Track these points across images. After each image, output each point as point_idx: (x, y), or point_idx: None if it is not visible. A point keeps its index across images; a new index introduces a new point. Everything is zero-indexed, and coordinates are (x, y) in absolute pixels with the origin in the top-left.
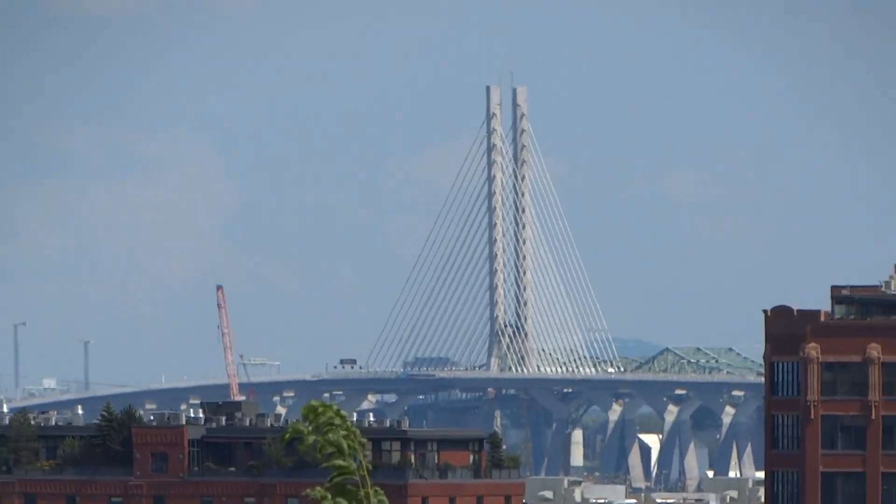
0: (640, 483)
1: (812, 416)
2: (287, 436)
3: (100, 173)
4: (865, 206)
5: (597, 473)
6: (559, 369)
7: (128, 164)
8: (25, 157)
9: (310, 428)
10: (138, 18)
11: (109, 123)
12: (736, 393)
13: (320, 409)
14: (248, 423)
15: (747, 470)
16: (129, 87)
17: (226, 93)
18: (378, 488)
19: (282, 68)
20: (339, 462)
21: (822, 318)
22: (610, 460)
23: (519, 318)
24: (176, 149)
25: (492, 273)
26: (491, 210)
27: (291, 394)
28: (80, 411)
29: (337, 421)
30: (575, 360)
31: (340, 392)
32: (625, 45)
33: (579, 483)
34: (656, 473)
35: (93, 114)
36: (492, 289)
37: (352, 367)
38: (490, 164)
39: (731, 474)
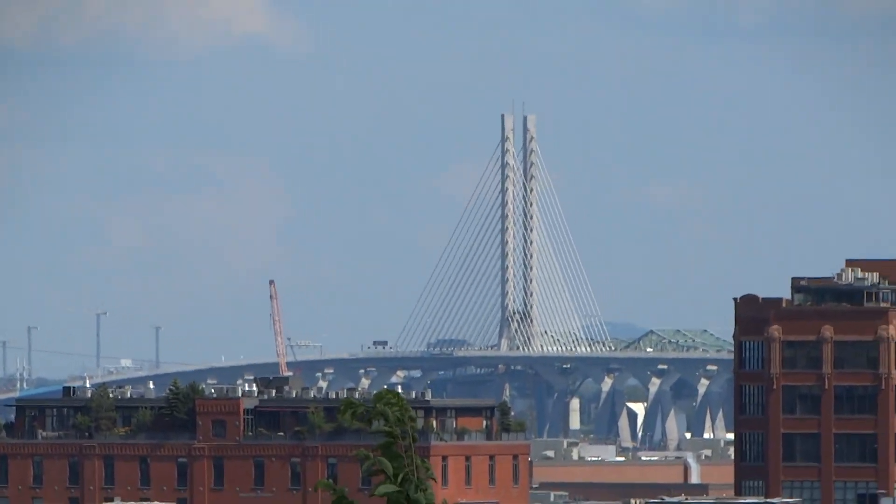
0: (628, 443)
1: (775, 387)
2: (343, 407)
3: (176, 188)
4: (823, 209)
5: (591, 435)
6: (559, 348)
7: (200, 180)
8: (116, 175)
9: (368, 405)
10: (203, 63)
11: (186, 147)
12: (710, 367)
13: (383, 394)
14: (294, 395)
15: (719, 432)
16: (201, 116)
17: (280, 121)
18: (425, 458)
19: (328, 102)
20: (386, 429)
21: (784, 305)
22: (602, 424)
23: (526, 306)
24: (240, 168)
25: (503, 269)
26: (504, 217)
27: (331, 370)
28: (151, 386)
29: (393, 400)
30: (573, 341)
31: (373, 369)
32: (617, 80)
33: (576, 444)
34: (642, 435)
35: (173, 141)
36: (503, 281)
37: (383, 348)
38: (504, 178)
39: (706, 436)
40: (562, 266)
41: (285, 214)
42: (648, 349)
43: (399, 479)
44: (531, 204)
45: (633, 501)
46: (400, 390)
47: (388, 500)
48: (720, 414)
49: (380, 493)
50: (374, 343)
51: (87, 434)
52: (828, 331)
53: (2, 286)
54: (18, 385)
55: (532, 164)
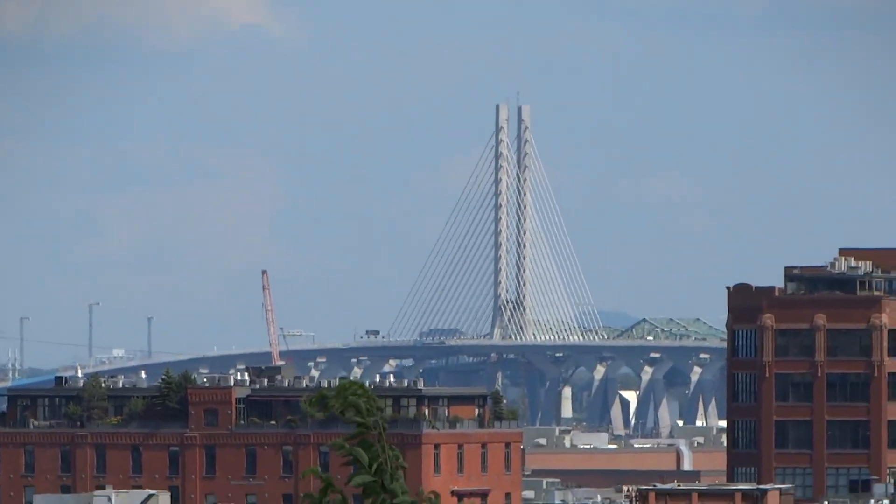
0: (620, 431)
1: (767, 375)
2: (314, 400)
3: (169, 179)
4: (816, 198)
5: (584, 423)
6: (552, 337)
7: (193, 171)
8: (109, 166)
9: (333, 394)
10: (197, 54)
11: (180, 139)
12: (703, 356)
13: (347, 385)
14: (286, 385)
15: (712, 420)
16: (196, 107)
17: (274, 113)
18: (394, 445)
19: (323, 93)
20: (359, 419)
21: (777, 293)
22: (595, 413)
23: (518, 295)
24: (233, 159)
25: (496, 258)
26: (497, 206)
27: (324, 360)
28: (143, 375)
29: (359, 391)
30: (565, 330)
31: (366, 358)
32: (611, 71)
33: (569, 432)
34: (634, 423)
35: (166, 133)
36: (496, 271)
37: (375, 337)
38: (497, 168)
39: (699, 423)
40: (555, 255)
41: (278, 205)
42: (649, 337)
43: (374, 468)
44: (525, 194)
45: (625, 489)
46: (392, 379)
47: (363, 490)
48: (713, 402)
49: (356, 483)
50: (367, 332)
51: (79, 423)
52: (821, 319)
53: None
54: (10, 375)
55: (526, 154)
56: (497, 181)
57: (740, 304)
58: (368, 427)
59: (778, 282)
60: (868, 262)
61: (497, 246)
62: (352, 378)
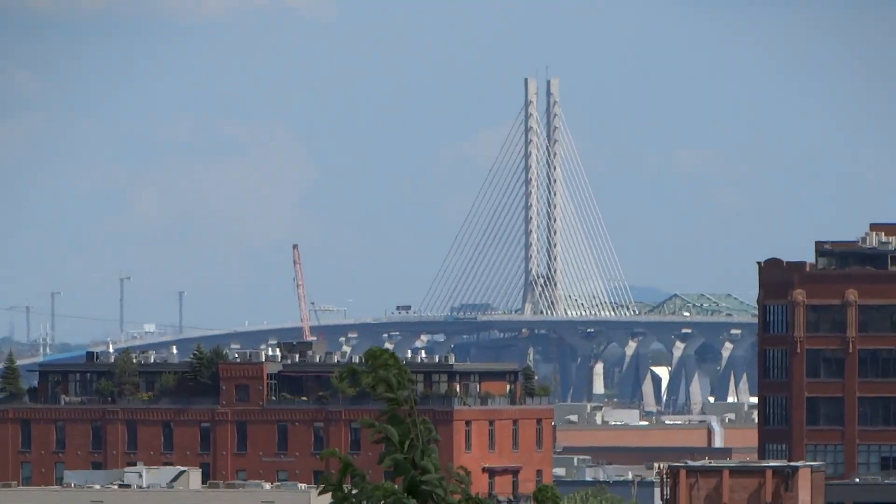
0: (651, 408)
1: (798, 350)
2: (345, 374)
3: (200, 154)
4: (847, 173)
5: (615, 400)
6: (583, 312)
7: (224, 146)
8: (140, 141)
9: (365, 369)
10: (225, 28)
11: (204, 112)
12: (734, 331)
13: (377, 353)
14: (317, 360)
15: (743, 396)
16: (225, 82)
17: (305, 87)
18: (426, 418)
19: (352, 67)
20: (390, 395)
21: (808, 269)
22: (626, 389)
23: (549, 270)
24: (264, 133)
25: (527, 232)
26: (527, 180)
27: (355, 335)
28: (174, 351)
29: (391, 361)
30: (596, 305)
31: (397, 333)
32: (640, 45)
33: (600, 408)
34: (666, 399)
35: (196, 107)
36: (527, 245)
37: (407, 312)
38: (527, 142)
39: (730, 399)
40: (585, 230)
41: (309, 179)
42: (672, 313)
43: (405, 446)
44: (555, 168)
45: (656, 465)
46: (423, 355)
47: (395, 468)
48: (744, 378)
49: (386, 464)
50: (398, 307)
51: (110, 399)
52: (852, 294)
53: (25, 252)
54: (42, 350)
55: (555, 128)
56: (527, 155)
57: (771, 279)
58: (399, 403)
59: (809, 257)
60: None
61: (528, 220)
62: None
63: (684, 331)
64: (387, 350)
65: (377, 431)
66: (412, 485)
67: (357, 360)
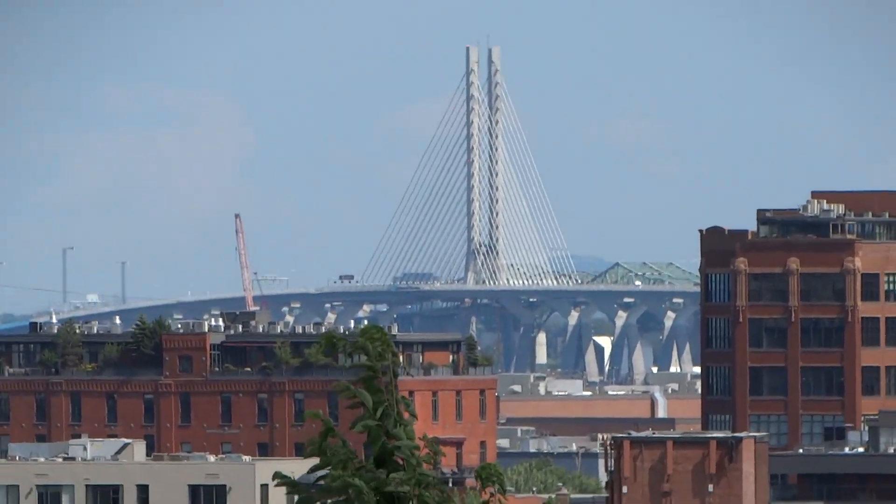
0: (594, 378)
1: (741, 320)
2: (323, 342)
3: (140, 122)
4: (787, 140)
5: (558, 370)
6: (526, 282)
7: (159, 114)
8: (79, 110)
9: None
10: None
11: (144, 80)
12: (676, 300)
13: (368, 328)
14: (261, 330)
15: (686, 366)
16: (157, 48)
17: (242, 54)
18: (405, 396)
19: (290, 35)
20: (367, 363)
21: (749, 237)
22: (569, 359)
23: (492, 239)
24: (203, 102)
25: (469, 201)
26: (469, 149)
27: (298, 305)
28: (118, 321)
29: (376, 335)
30: (539, 274)
31: (340, 303)
32: (581, 14)
33: (543, 378)
34: (608, 369)
35: (128, 72)
36: (469, 214)
37: (349, 282)
38: (469, 111)
39: (673, 369)
40: (528, 199)
41: (250, 148)
42: (614, 282)
43: (379, 413)
44: (496, 137)
45: (600, 436)
46: (365, 325)
47: (367, 435)
48: (687, 347)
49: (359, 429)
50: (341, 277)
51: (53, 370)
52: (794, 263)
53: None
54: None
55: (497, 96)
56: (469, 124)
57: (713, 247)
58: (375, 371)
59: (751, 225)
60: (841, 206)
61: (469, 189)
62: (325, 324)
63: (626, 300)
64: (377, 326)
65: (351, 395)
66: (383, 453)
67: (300, 331)
